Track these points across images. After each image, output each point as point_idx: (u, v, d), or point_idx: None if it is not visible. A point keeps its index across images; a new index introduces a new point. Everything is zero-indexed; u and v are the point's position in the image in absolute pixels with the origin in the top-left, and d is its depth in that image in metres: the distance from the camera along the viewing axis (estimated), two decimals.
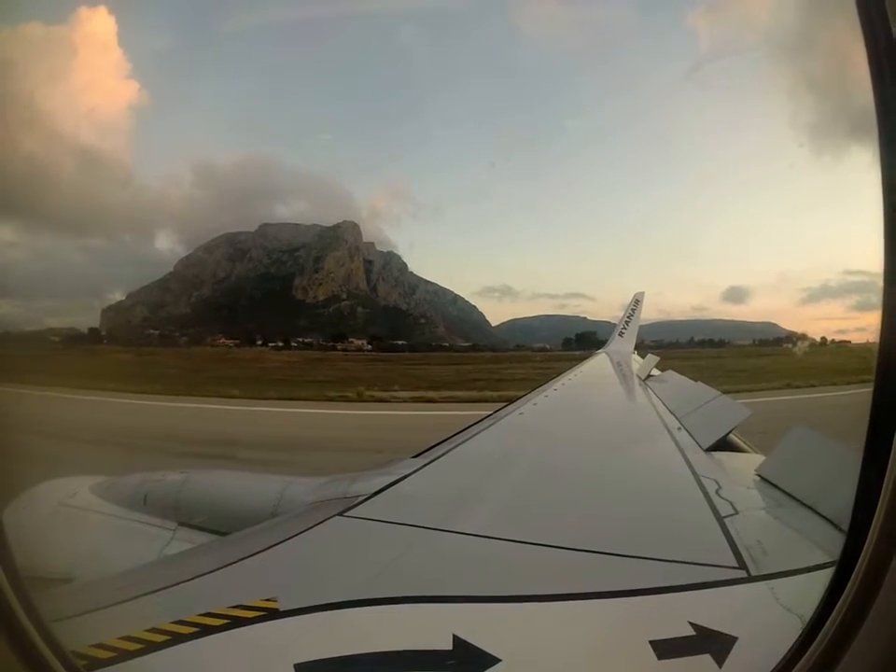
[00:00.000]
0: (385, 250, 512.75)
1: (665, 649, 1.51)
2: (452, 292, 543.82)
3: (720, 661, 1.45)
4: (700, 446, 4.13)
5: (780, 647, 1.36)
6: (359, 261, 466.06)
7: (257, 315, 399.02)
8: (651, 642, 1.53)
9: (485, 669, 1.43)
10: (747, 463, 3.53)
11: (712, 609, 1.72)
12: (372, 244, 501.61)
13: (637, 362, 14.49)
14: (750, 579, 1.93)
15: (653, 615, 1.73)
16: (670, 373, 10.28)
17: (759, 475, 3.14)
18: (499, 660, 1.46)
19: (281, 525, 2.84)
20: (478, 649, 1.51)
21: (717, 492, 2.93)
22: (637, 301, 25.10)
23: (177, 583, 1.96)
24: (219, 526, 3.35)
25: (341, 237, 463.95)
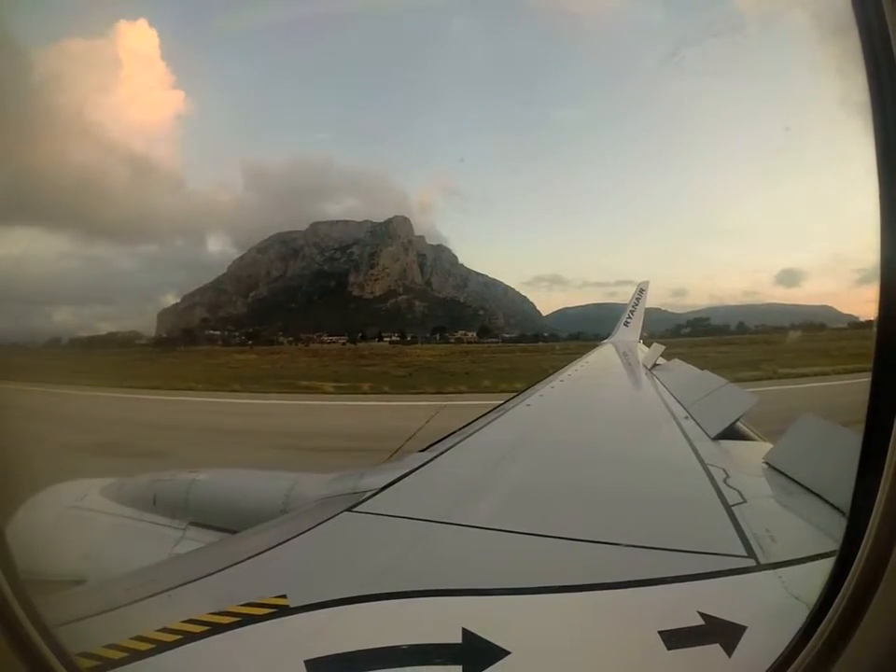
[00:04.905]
0: (435, 243, 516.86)
1: (674, 639, 1.50)
2: (502, 283, 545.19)
3: (729, 650, 1.44)
4: (707, 435, 4.12)
5: (790, 636, 1.35)
6: (413, 255, 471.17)
7: (315, 312, 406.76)
8: (660, 632, 1.53)
9: (495, 662, 1.42)
10: (755, 451, 3.50)
11: (721, 599, 1.72)
12: (423, 237, 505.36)
13: (642, 351, 14.56)
14: (759, 567, 1.92)
15: (662, 605, 1.72)
16: (676, 362, 10.33)
17: (767, 463, 3.12)
18: (509, 652, 1.46)
19: (290, 521, 2.83)
20: (487, 642, 1.51)
21: (725, 480, 2.92)
22: (641, 291, 24.83)
23: (188, 582, 1.97)
24: (229, 525, 3.37)
25: (393, 232, 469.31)
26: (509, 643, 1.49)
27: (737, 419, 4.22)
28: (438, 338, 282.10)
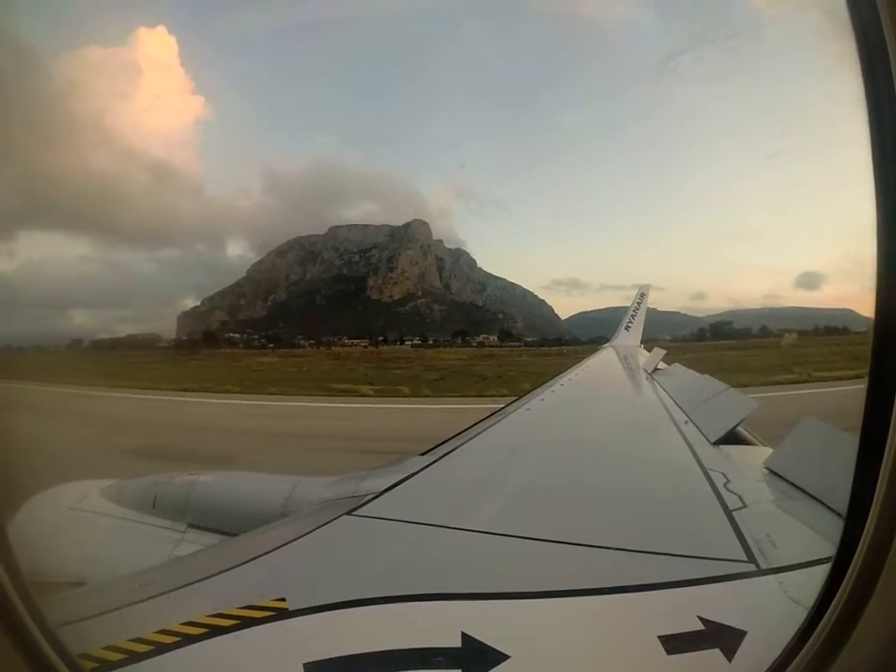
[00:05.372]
0: (453, 247, 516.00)
1: (674, 643, 1.50)
2: (520, 286, 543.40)
3: (729, 655, 1.44)
4: (708, 439, 4.12)
5: (790, 640, 1.36)
6: (432, 259, 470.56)
7: (334, 315, 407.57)
8: (660, 637, 1.53)
9: (495, 666, 1.43)
10: (755, 456, 3.51)
11: (721, 603, 1.72)
12: (441, 241, 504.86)
13: (643, 356, 14.50)
14: (760, 572, 1.92)
15: (662, 610, 1.72)
16: (677, 367, 10.33)
17: (767, 468, 3.13)
18: (508, 657, 1.46)
19: (290, 524, 2.84)
20: (487, 646, 1.51)
21: (725, 485, 2.92)
22: (642, 295, 25.13)
23: (187, 585, 1.97)
24: (229, 527, 3.39)
25: (412, 236, 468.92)
26: (508, 647, 1.50)
27: (738, 424, 4.23)
28: (459, 341, 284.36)
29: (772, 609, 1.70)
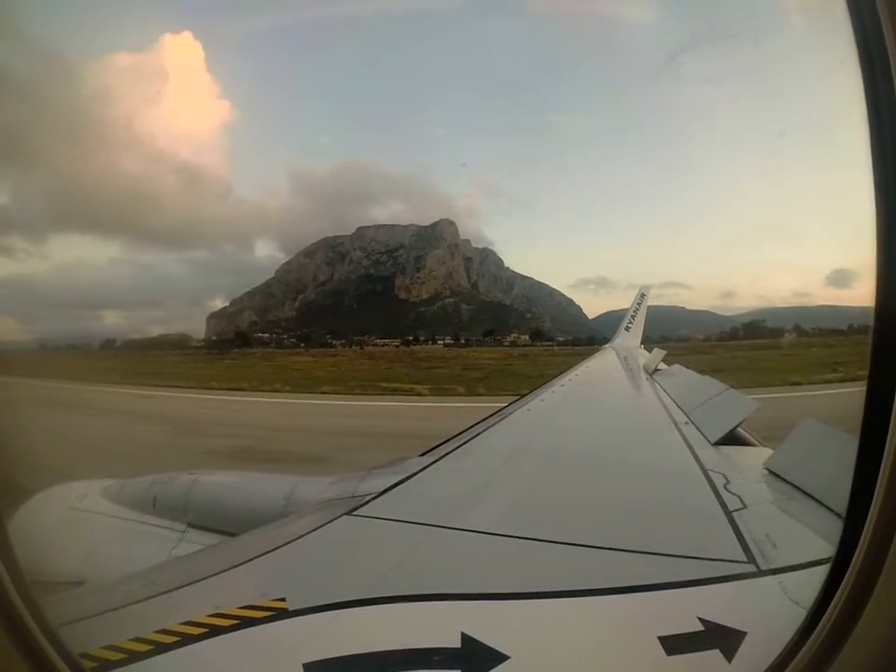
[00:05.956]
0: (480, 246, 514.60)
1: (673, 644, 1.51)
2: (548, 286, 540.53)
3: (729, 656, 1.44)
4: (708, 440, 4.12)
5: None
6: (459, 259, 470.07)
7: (362, 315, 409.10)
8: (659, 638, 1.53)
9: (494, 667, 1.43)
10: (755, 457, 3.51)
11: (721, 604, 1.72)
12: (468, 241, 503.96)
13: (643, 356, 14.30)
14: (759, 573, 1.92)
15: (662, 610, 1.72)
16: (677, 367, 10.35)
17: (767, 469, 3.13)
18: (508, 657, 1.47)
19: (290, 524, 2.85)
20: (486, 646, 1.51)
21: (725, 486, 2.94)
22: (642, 296, 24.89)
23: (187, 584, 1.98)
24: (228, 527, 3.40)
25: (439, 235, 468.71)
26: (508, 648, 1.50)
27: (738, 424, 4.23)
28: (489, 341, 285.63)
29: (771, 609, 1.71)
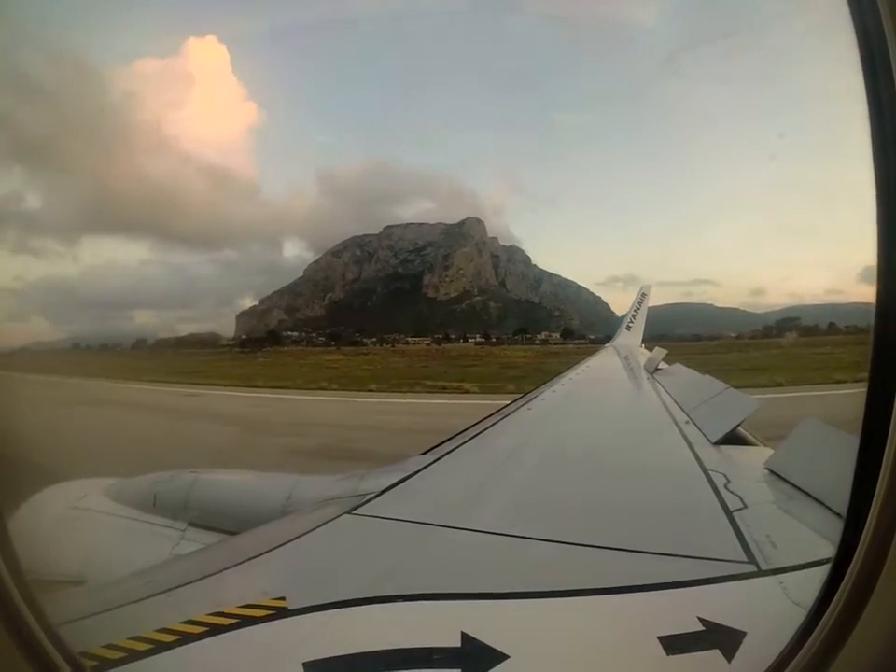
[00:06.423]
0: (507, 244, 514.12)
1: (673, 644, 1.51)
2: (575, 283, 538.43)
3: (729, 656, 1.45)
4: (708, 440, 4.12)
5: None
6: (487, 256, 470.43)
7: (391, 313, 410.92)
8: (659, 638, 1.54)
9: (494, 666, 1.43)
10: (756, 457, 3.51)
11: (721, 604, 1.73)
12: (496, 238, 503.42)
13: (644, 356, 14.07)
14: (760, 573, 1.93)
15: (662, 610, 1.73)
16: (678, 367, 10.30)
17: (768, 469, 3.14)
18: (508, 656, 1.47)
19: (290, 523, 2.85)
20: (486, 645, 1.51)
21: (726, 486, 2.94)
22: (643, 295, 24.97)
23: (187, 583, 1.99)
24: (229, 526, 3.40)
25: (466, 233, 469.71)
26: (508, 647, 1.50)
27: (739, 424, 4.23)
28: (520, 339, 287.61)
29: (772, 609, 1.71)
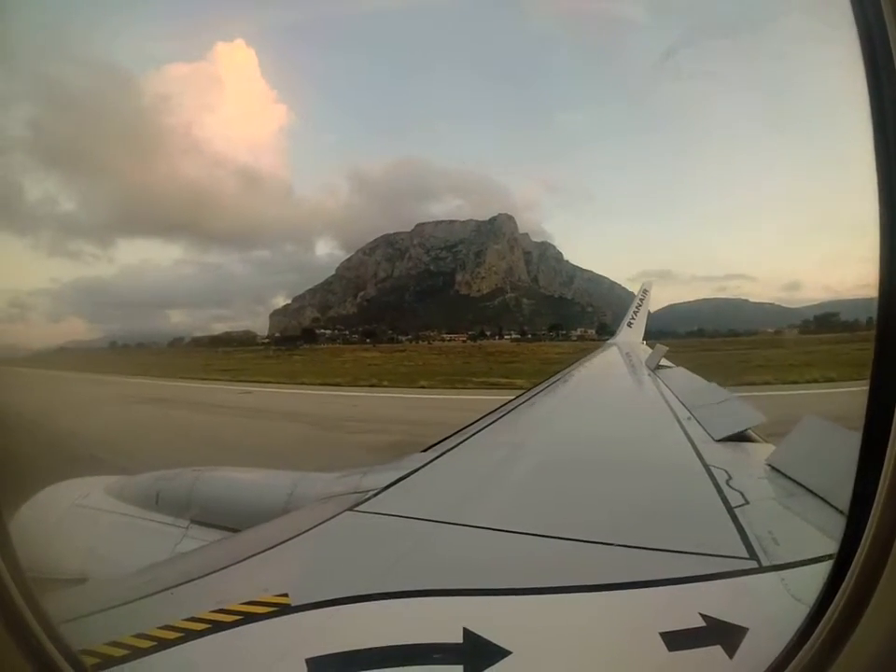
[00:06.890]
0: (539, 240, 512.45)
1: (675, 640, 1.51)
2: (608, 279, 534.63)
3: (731, 652, 1.45)
4: (710, 436, 4.12)
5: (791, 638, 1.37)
6: (519, 253, 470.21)
7: (423, 311, 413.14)
8: (661, 634, 1.54)
9: (496, 662, 1.43)
10: (757, 453, 3.52)
11: (723, 600, 1.73)
12: (527, 235, 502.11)
13: (646, 353, 14.00)
14: (761, 569, 1.93)
15: (664, 606, 1.73)
16: (680, 370, 10.09)
17: (770, 465, 3.13)
18: (510, 652, 1.47)
19: (292, 520, 2.86)
20: (488, 642, 1.52)
21: (727, 482, 2.93)
22: (645, 292, 24.78)
23: (190, 581, 1.99)
24: (231, 523, 3.41)
25: (498, 230, 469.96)
26: (510, 643, 1.50)
27: (739, 426, 4.20)
28: (556, 335, 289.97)
29: (774, 606, 1.71)
